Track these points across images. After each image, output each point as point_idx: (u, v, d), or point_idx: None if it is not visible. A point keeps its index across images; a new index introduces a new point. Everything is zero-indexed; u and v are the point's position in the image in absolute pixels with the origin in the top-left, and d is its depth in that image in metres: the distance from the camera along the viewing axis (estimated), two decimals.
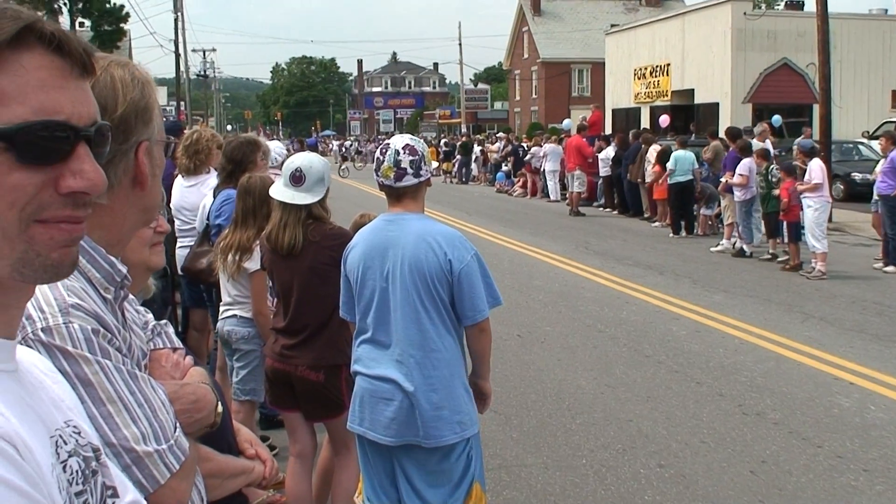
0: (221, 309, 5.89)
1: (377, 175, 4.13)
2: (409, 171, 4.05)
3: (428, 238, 4.01)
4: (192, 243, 7.15)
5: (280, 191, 4.92)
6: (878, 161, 16.88)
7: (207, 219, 6.66)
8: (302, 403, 5.02)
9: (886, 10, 41.50)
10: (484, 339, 4.15)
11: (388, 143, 4.16)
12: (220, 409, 2.07)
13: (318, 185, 4.90)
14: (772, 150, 17.40)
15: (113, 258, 1.70)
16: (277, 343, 5.04)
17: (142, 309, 2.06)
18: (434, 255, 3.97)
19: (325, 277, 4.87)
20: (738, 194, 16.14)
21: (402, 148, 4.07)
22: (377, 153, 4.22)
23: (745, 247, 16.25)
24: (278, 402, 5.21)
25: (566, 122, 36.77)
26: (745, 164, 16.04)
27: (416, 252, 3.99)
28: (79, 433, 1.24)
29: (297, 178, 4.85)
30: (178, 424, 1.72)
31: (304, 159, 4.98)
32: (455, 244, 4.02)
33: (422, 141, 4.31)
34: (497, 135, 44.83)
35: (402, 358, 4.01)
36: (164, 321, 2.19)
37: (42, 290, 1.55)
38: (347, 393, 4.86)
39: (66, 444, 1.19)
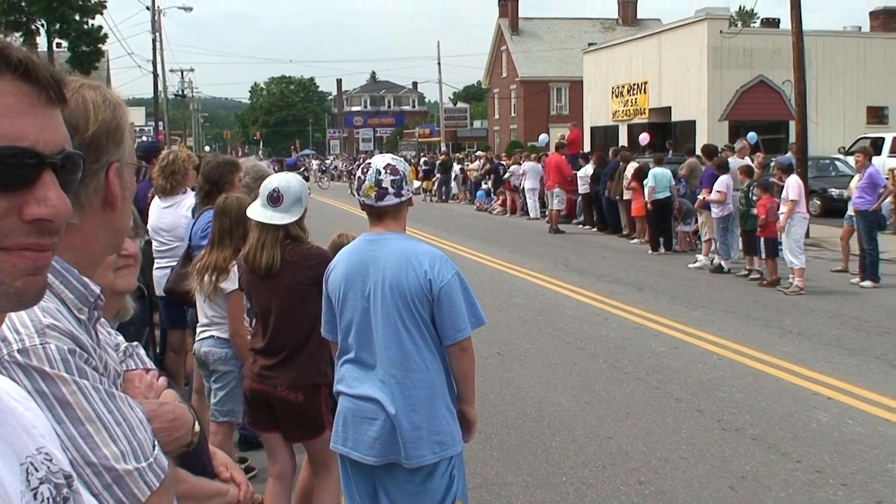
0: (198, 330, 5.86)
1: (359, 194, 4.13)
2: (391, 190, 4.04)
3: (409, 257, 4.00)
4: (170, 264, 7.14)
5: (258, 211, 4.92)
6: (852, 177, 17.02)
7: (190, 239, 6.64)
8: (281, 424, 5.01)
9: (860, 28, 41.96)
10: (466, 358, 4.10)
11: (370, 163, 4.14)
12: (196, 428, 2.08)
13: (295, 205, 4.90)
14: (755, 167, 17.51)
15: (86, 278, 1.70)
16: (256, 363, 5.03)
17: (113, 331, 2.06)
18: (414, 274, 3.95)
19: (303, 297, 4.87)
20: (716, 211, 16.23)
21: (384, 167, 4.06)
22: (359, 172, 4.20)
23: (722, 263, 16.33)
24: (257, 422, 5.19)
25: (542, 136, 36.95)
26: (723, 181, 16.13)
27: (397, 271, 3.97)
28: (50, 460, 1.23)
29: (274, 199, 4.86)
30: (156, 442, 1.72)
31: (282, 180, 4.99)
32: (436, 263, 4.00)
33: (403, 160, 4.30)
34: (476, 153, 44.91)
35: (385, 378, 3.99)
36: (135, 343, 2.19)
37: (17, 312, 1.55)
38: (327, 413, 4.86)
39: (37, 471, 1.18)
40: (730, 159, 17.59)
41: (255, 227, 4.97)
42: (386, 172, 4.04)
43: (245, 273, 5.11)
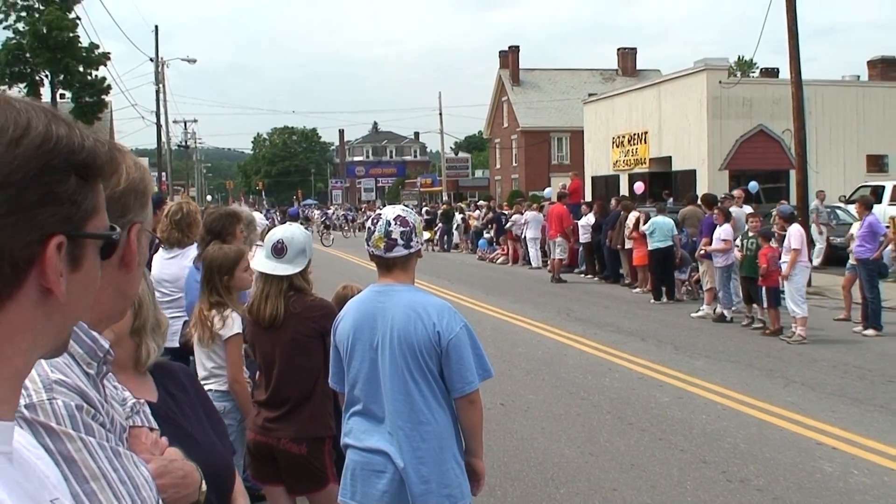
0: None
1: (368, 245, 4.15)
2: (400, 241, 4.06)
3: (417, 309, 4.01)
4: (172, 314, 7.12)
5: (262, 262, 4.96)
6: (850, 225, 17.10)
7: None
8: (285, 477, 4.99)
9: (859, 77, 42.22)
10: (473, 411, 4.09)
11: (381, 214, 4.17)
12: (203, 488, 2.09)
13: (299, 256, 4.94)
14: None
15: (95, 333, 1.72)
16: (260, 416, 5.03)
17: (119, 385, 2.07)
18: (423, 326, 3.96)
19: (306, 349, 4.87)
20: (719, 260, 16.24)
21: (394, 219, 4.08)
22: (368, 223, 4.22)
23: (725, 312, 16.32)
24: (261, 475, 5.17)
25: (547, 190, 37.12)
26: (726, 230, 16.18)
27: (405, 323, 3.98)
28: None
29: (278, 250, 4.89)
30: (160, 501, 1.72)
31: (286, 231, 5.03)
32: (444, 315, 4.01)
33: (413, 212, 4.32)
34: (479, 202, 45.04)
35: (392, 430, 3.99)
36: (142, 400, 2.20)
37: None
38: (331, 465, 4.84)
39: None
40: (732, 208, 17.65)
41: (260, 279, 5.00)
42: (396, 224, 4.07)
43: (249, 324, 5.13)
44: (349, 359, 4.14)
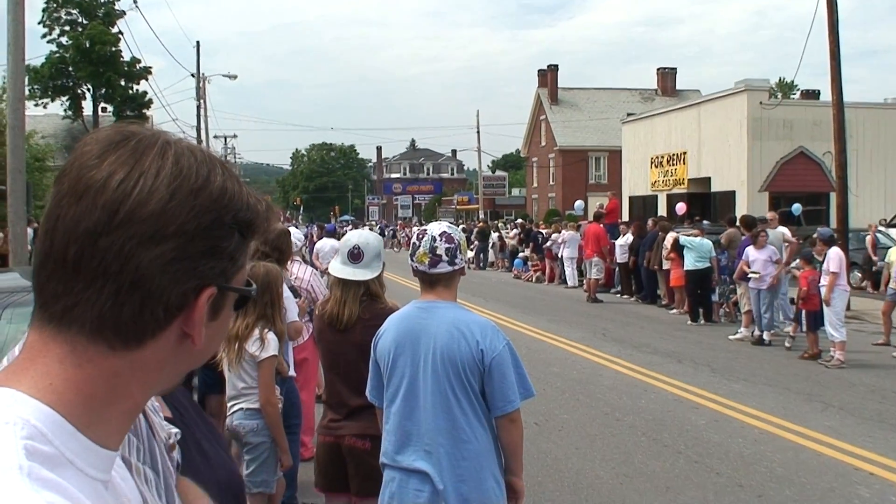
0: (228, 404, 5.84)
1: (412, 260, 4.18)
2: (445, 258, 4.09)
3: (461, 326, 4.02)
4: None
5: (339, 268, 5.01)
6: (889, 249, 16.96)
7: None
8: (353, 479, 4.94)
9: None
10: (514, 430, 4.09)
11: (426, 230, 4.21)
12: None
13: (375, 260, 5.02)
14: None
15: None
16: (326, 417, 5.10)
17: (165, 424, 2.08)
18: (466, 344, 3.97)
19: (368, 356, 4.91)
20: (761, 283, 16.07)
21: (439, 235, 4.12)
22: (413, 238, 4.26)
23: (764, 335, 16.18)
24: (328, 483, 5.12)
25: (578, 203, 36.98)
26: (768, 251, 16.08)
27: (449, 340, 3.99)
28: None
29: (355, 256, 4.96)
30: None
31: (361, 236, 5.12)
32: (487, 333, 4.02)
33: (459, 230, 4.34)
34: (517, 221, 45.01)
35: (431, 447, 3.99)
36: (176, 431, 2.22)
37: None
38: None
39: None
40: (768, 230, 17.50)
41: (336, 285, 5.04)
42: (441, 240, 4.10)
43: (321, 324, 5.16)
44: (389, 374, 4.16)
